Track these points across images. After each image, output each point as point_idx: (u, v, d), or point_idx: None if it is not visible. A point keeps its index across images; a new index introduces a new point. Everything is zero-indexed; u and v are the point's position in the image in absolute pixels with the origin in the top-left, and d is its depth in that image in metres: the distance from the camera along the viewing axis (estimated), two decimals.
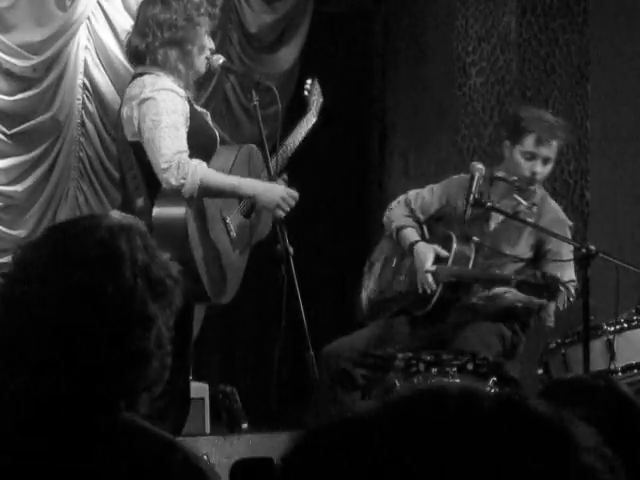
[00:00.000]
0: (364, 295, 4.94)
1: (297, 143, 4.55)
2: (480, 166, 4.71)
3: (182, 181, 4.06)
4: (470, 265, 4.63)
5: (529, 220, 4.67)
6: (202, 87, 5.38)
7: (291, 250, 4.12)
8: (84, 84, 5.93)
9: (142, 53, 4.26)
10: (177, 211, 4.12)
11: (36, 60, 5.72)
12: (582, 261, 4.22)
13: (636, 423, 2.28)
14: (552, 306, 4.65)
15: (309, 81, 4.77)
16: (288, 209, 4.19)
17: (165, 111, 4.12)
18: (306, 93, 4.72)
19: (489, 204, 4.59)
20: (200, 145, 4.24)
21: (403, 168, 6.79)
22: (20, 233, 5.79)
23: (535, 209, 4.74)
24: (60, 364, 1.69)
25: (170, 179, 4.06)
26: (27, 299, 1.72)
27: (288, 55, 6.47)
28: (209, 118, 4.49)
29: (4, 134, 5.67)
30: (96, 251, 1.73)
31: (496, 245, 4.75)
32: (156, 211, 4.12)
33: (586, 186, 6.20)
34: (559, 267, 4.63)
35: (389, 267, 4.93)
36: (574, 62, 6.22)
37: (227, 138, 4.62)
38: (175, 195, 4.11)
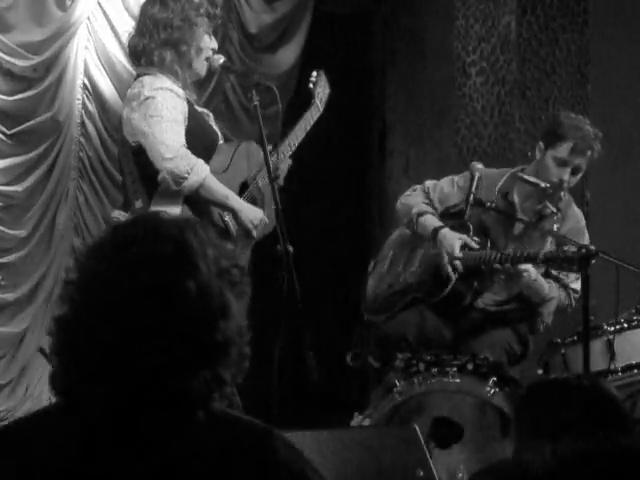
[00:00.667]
0: (370, 291, 4.91)
1: (303, 135, 4.55)
2: (480, 166, 4.70)
3: (186, 175, 4.10)
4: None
5: (555, 225, 4.64)
6: (202, 87, 5.38)
7: (291, 250, 4.12)
8: (84, 84, 5.93)
9: (139, 53, 4.30)
10: (173, 210, 4.14)
11: (36, 60, 5.72)
12: (582, 261, 4.21)
13: (621, 422, 2.29)
14: (553, 304, 4.64)
15: (314, 73, 4.72)
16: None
17: (165, 107, 4.15)
18: (311, 85, 4.68)
19: (489, 204, 4.58)
20: (200, 146, 4.26)
21: (403, 168, 6.79)
22: (20, 233, 5.79)
23: (560, 214, 4.69)
24: (149, 363, 1.70)
25: (174, 169, 4.09)
26: (104, 303, 1.72)
27: (288, 55, 6.47)
28: (211, 118, 4.49)
29: (4, 134, 5.67)
30: (170, 249, 1.74)
31: (520, 249, 4.71)
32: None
33: (586, 186, 6.20)
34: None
35: (398, 261, 4.87)
36: (574, 62, 6.22)
37: (230, 135, 4.62)
38: (171, 195, 4.14)
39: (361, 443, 3.19)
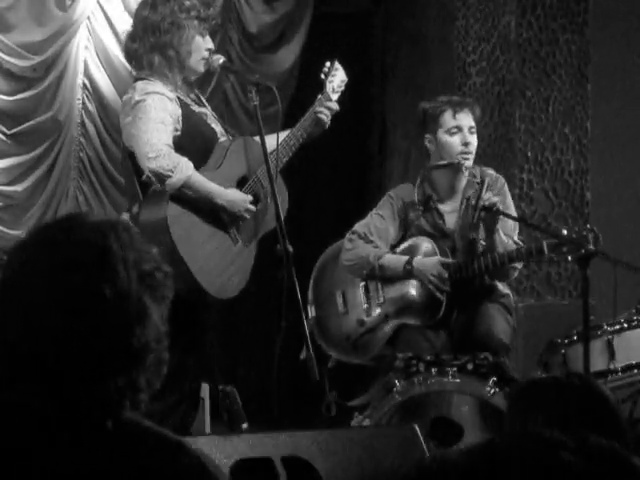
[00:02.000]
0: (336, 332, 4.86)
1: (311, 125, 4.53)
2: (491, 171, 4.72)
3: (169, 173, 4.13)
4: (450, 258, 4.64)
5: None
6: (202, 87, 5.39)
7: (291, 250, 4.12)
8: (84, 84, 5.94)
9: (132, 57, 4.39)
10: (159, 212, 4.16)
11: (36, 60, 5.73)
12: (581, 261, 4.21)
13: (612, 421, 2.29)
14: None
15: (327, 63, 4.69)
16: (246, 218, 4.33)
17: (154, 109, 4.20)
18: (322, 76, 4.64)
19: (495, 208, 4.55)
20: (197, 147, 4.29)
21: (403, 168, 6.79)
22: (20, 233, 5.79)
23: (490, 192, 4.67)
24: (62, 369, 1.67)
25: (158, 168, 4.11)
26: (21, 306, 1.69)
27: (288, 55, 6.48)
28: (210, 117, 4.49)
29: (4, 134, 5.68)
30: (89, 253, 1.70)
31: (467, 238, 4.71)
32: (142, 214, 4.17)
33: (586, 186, 6.20)
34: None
35: (355, 298, 4.81)
36: (574, 62, 6.22)
37: (230, 130, 4.61)
38: (159, 195, 4.16)
39: (361, 443, 3.18)
